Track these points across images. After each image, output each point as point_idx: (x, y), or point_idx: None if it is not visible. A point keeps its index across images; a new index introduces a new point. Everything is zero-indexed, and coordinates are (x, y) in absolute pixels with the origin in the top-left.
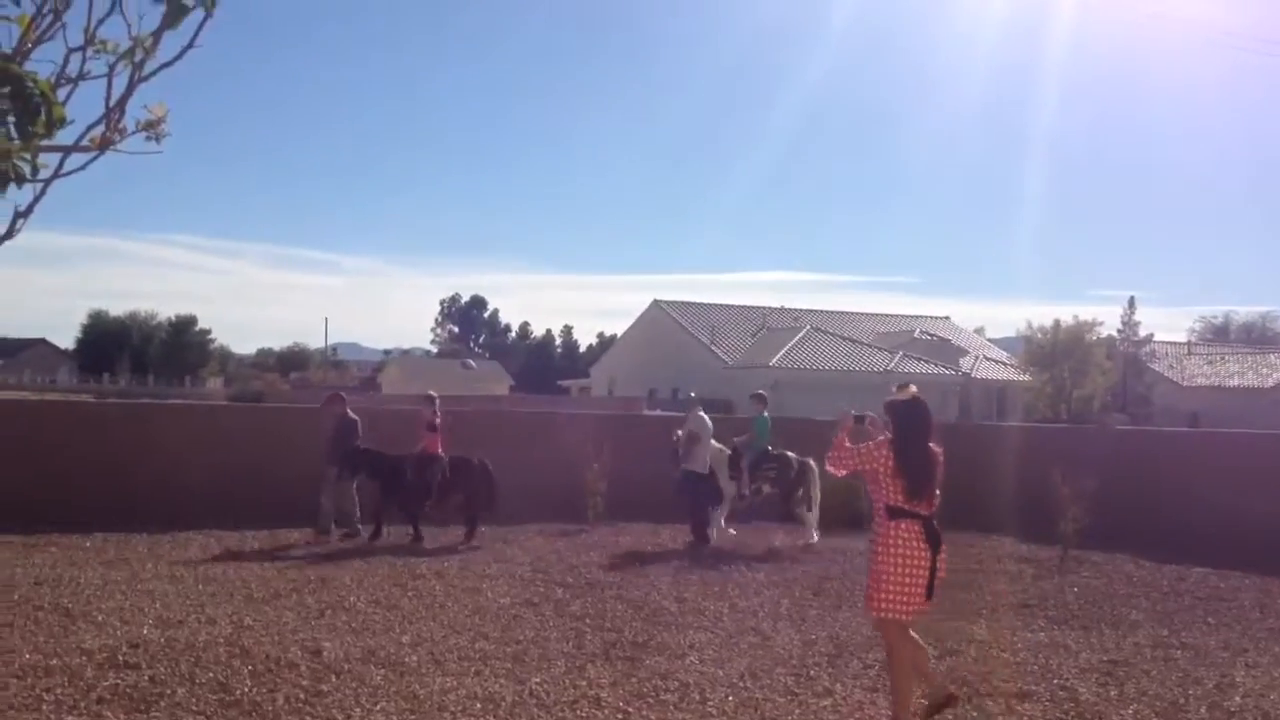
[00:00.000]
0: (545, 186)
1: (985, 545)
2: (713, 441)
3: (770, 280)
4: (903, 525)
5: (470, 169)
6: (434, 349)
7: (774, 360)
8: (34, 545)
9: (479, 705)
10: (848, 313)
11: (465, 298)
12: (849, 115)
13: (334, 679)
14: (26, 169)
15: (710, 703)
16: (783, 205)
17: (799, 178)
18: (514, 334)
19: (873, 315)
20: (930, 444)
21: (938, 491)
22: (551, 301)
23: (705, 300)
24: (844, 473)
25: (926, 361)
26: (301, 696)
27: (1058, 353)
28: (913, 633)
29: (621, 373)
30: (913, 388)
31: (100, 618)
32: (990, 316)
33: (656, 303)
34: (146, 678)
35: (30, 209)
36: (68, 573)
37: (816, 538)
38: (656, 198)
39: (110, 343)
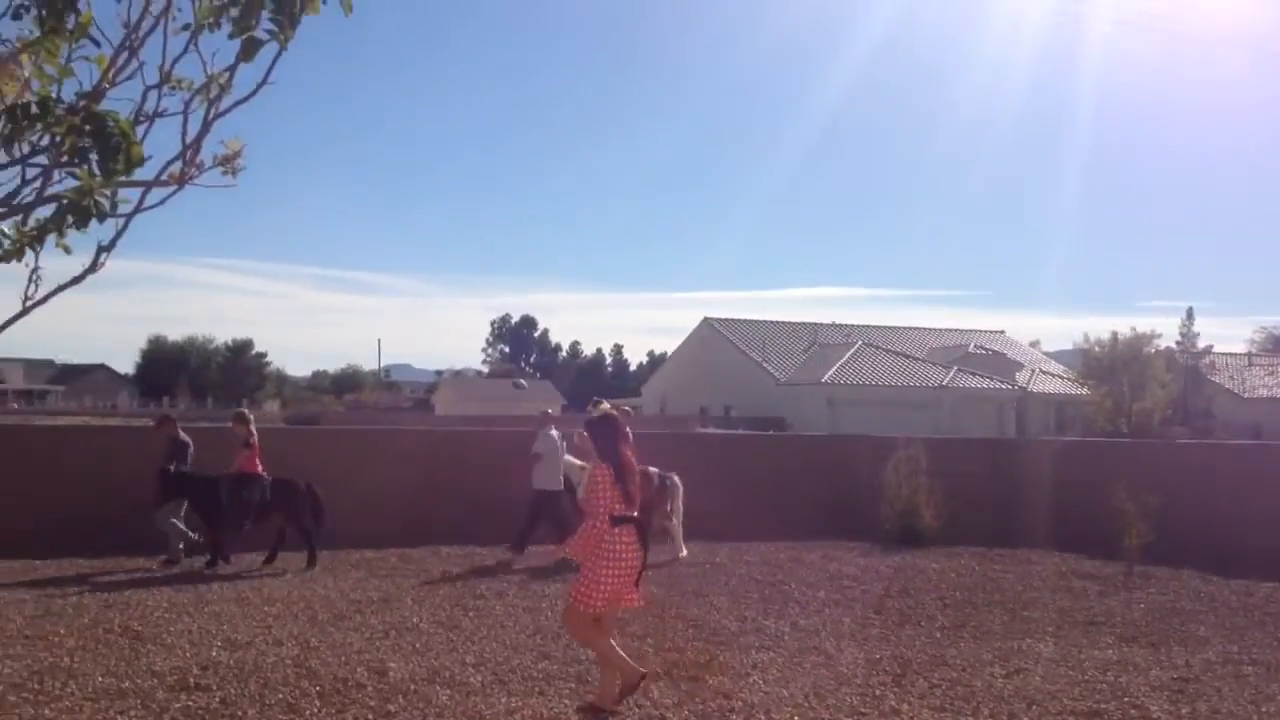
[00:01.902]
0: (594, 205)
1: (1047, 562)
2: (574, 459)
3: (821, 296)
4: (623, 531)
5: (519, 189)
6: (485, 369)
7: (826, 376)
8: (101, 568)
9: None
10: (900, 327)
11: (515, 318)
12: (898, 128)
13: (400, 699)
14: (107, 205)
15: None
16: (833, 220)
17: (848, 192)
18: (564, 353)
19: (926, 330)
20: (629, 454)
21: (638, 495)
22: (601, 320)
23: (756, 317)
24: (601, 514)
25: (981, 376)
26: (370, 718)
27: (1116, 366)
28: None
29: (673, 391)
30: (605, 404)
31: (169, 640)
32: (1046, 329)
33: (707, 320)
34: (217, 699)
35: (113, 244)
36: (135, 595)
37: (685, 551)
38: (706, 215)
39: (169, 367)
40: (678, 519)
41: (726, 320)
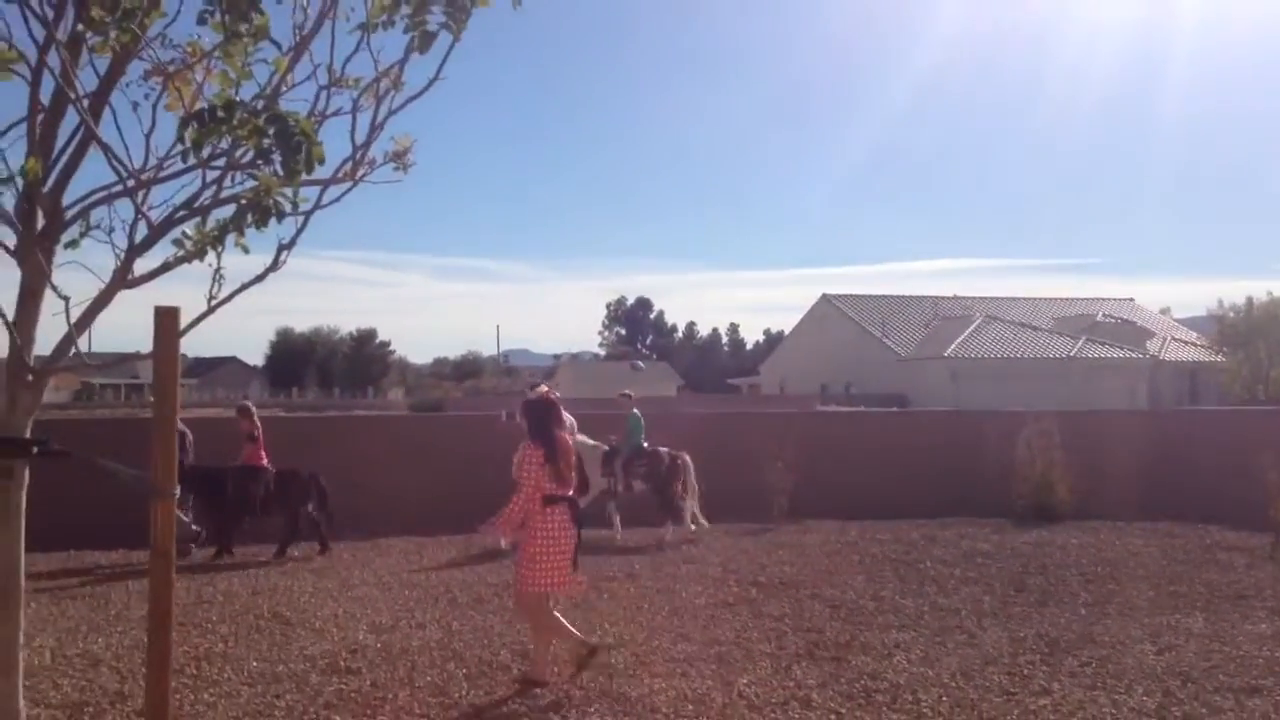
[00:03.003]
0: (705, 184)
1: (1190, 535)
2: (586, 439)
3: (941, 268)
4: (556, 510)
5: (630, 170)
6: (602, 352)
7: (948, 350)
8: (251, 555)
9: (690, 707)
10: (1024, 298)
11: (631, 299)
12: (1015, 93)
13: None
14: (287, 204)
15: (924, 703)
16: (950, 190)
17: (965, 161)
18: (680, 334)
19: (1050, 300)
20: (562, 434)
21: (574, 475)
22: (717, 300)
23: (875, 292)
24: (530, 493)
25: (1111, 345)
26: (515, 698)
27: (1252, 331)
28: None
29: (791, 369)
30: (543, 387)
31: (318, 624)
32: (1177, 296)
33: (825, 297)
34: (368, 683)
35: (293, 241)
36: (281, 582)
37: (695, 528)
38: (819, 190)
39: (297, 358)
40: (692, 497)
41: (845, 296)
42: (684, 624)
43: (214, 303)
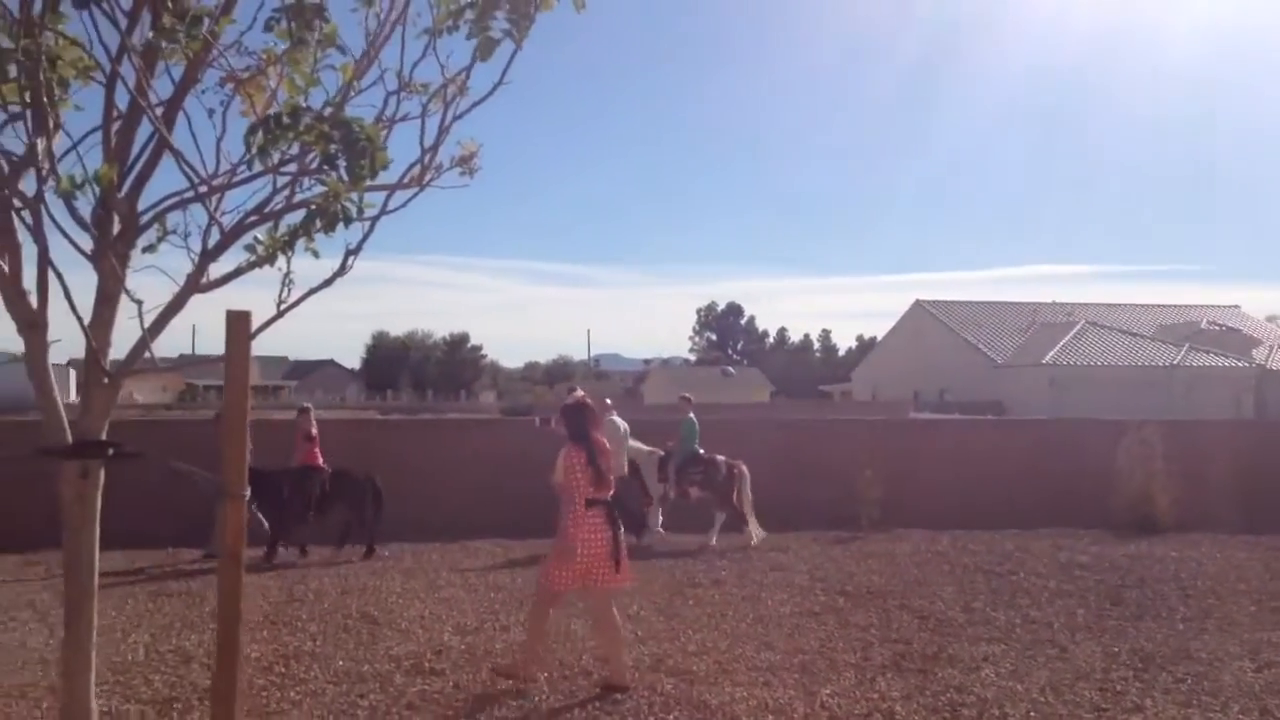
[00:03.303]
0: (797, 189)
1: None
2: (640, 444)
3: (1038, 274)
4: (594, 512)
5: (721, 175)
6: (692, 357)
7: (1047, 357)
8: (340, 556)
9: (771, 717)
10: (1126, 305)
11: (722, 305)
12: (1113, 95)
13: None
14: (354, 209)
15: (1011, 718)
16: (1047, 195)
17: (1062, 165)
18: (771, 340)
19: (1153, 306)
20: (600, 438)
21: (612, 478)
22: (809, 306)
23: (970, 298)
24: (578, 498)
25: (1215, 354)
26: (596, 704)
27: None
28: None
29: (884, 376)
30: (579, 392)
31: (404, 625)
32: None
33: (919, 303)
34: (450, 684)
35: (359, 246)
36: (371, 582)
37: (755, 538)
38: (911, 194)
39: (392, 361)
40: (747, 506)
41: (939, 302)
42: (768, 632)
43: (283, 307)
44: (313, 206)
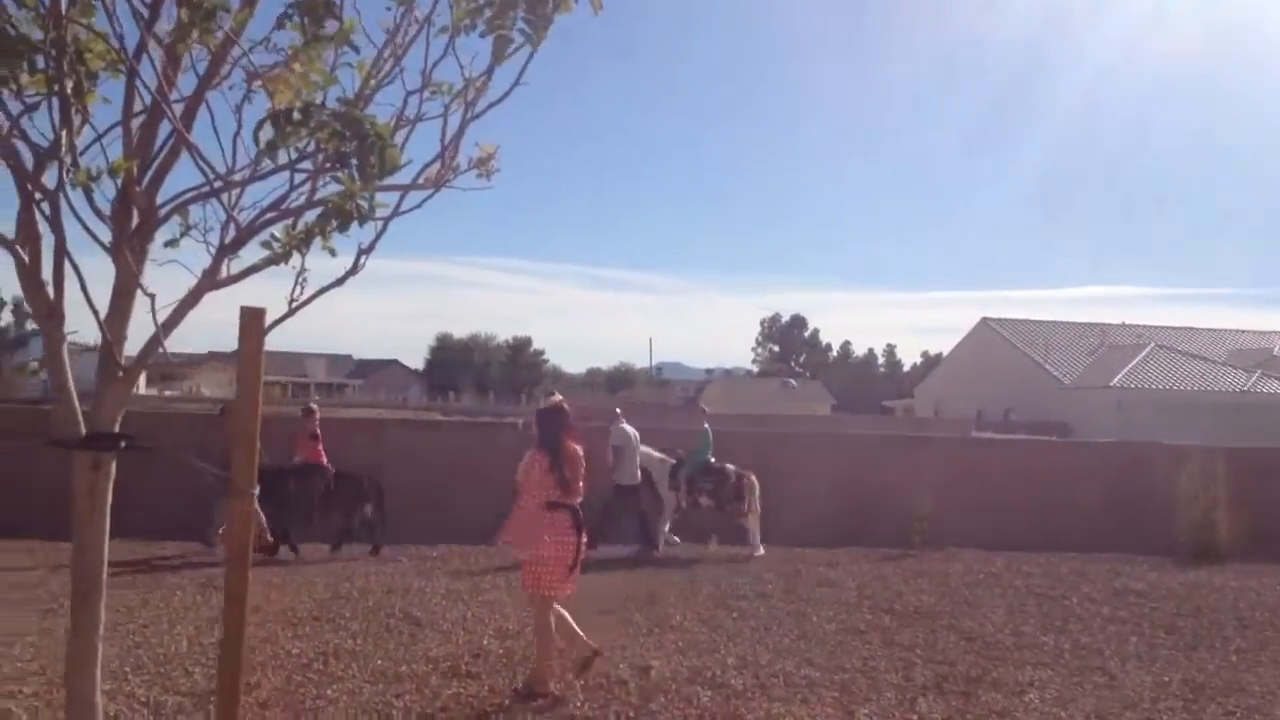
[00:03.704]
0: (861, 202)
1: None
2: (654, 452)
3: (1108, 295)
4: (557, 515)
5: (789, 188)
6: (754, 368)
7: (1115, 380)
8: (387, 556)
9: None
10: (1197, 328)
11: (786, 317)
12: (1189, 117)
13: (662, 698)
14: (366, 208)
15: None
16: (1119, 215)
17: (1135, 186)
18: (835, 353)
19: (1225, 331)
20: (571, 443)
21: (581, 484)
22: (874, 320)
23: (1037, 317)
24: (531, 499)
25: None
26: (631, 714)
27: None
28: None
29: (948, 393)
30: (557, 396)
31: (445, 627)
32: None
33: (985, 320)
34: (486, 688)
35: (372, 245)
36: (416, 582)
37: (761, 550)
38: (981, 211)
39: (455, 363)
40: (754, 516)
41: (1006, 320)
42: (810, 648)
43: (294, 304)
44: (330, 205)
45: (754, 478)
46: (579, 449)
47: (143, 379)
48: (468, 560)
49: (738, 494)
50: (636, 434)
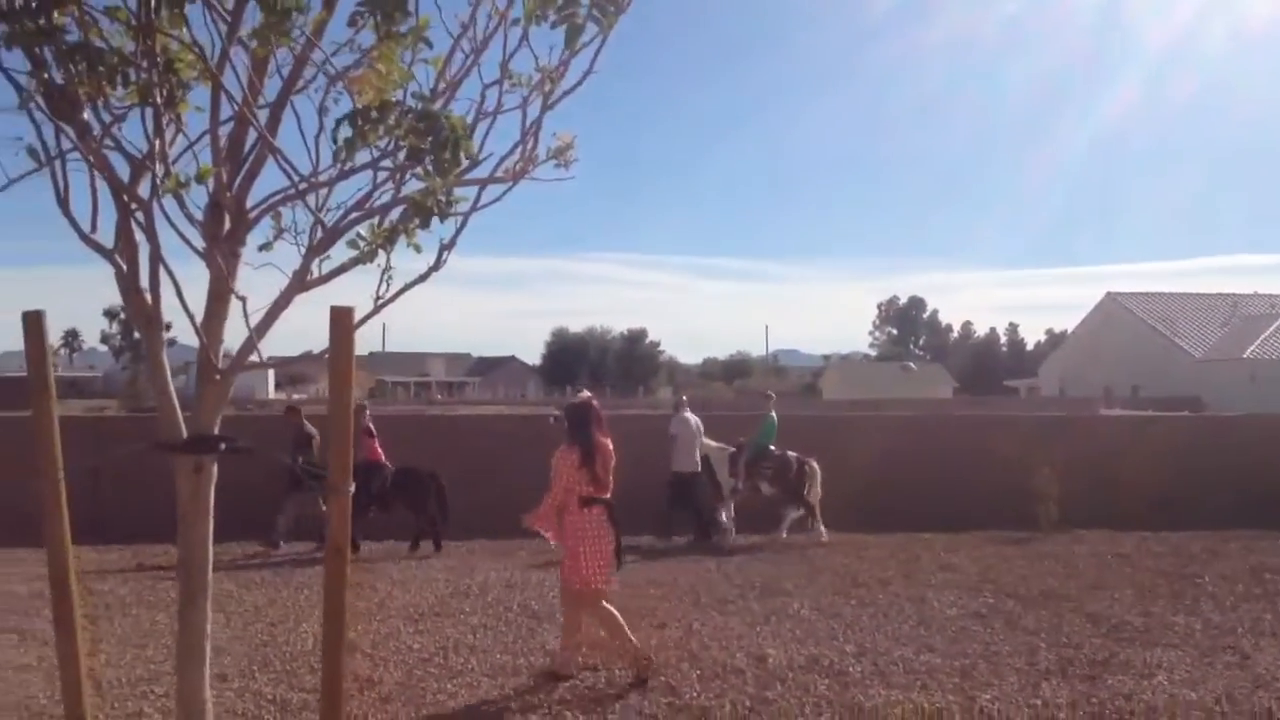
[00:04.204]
0: (977, 180)
1: None
2: (712, 441)
3: (1240, 264)
4: (593, 511)
5: (900, 166)
6: (872, 352)
7: (1247, 351)
8: (507, 551)
9: None
10: None
11: (903, 299)
12: None
13: (778, 686)
14: (444, 203)
15: None
16: (1246, 181)
17: (1262, 148)
18: (955, 334)
19: None
20: (602, 438)
21: (611, 479)
22: (994, 299)
23: (1165, 290)
24: (559, 493)
25: None
26: (747, 703)
27: None
28: (606, 604)
29: (1073, 371)
30: (585, 393)
31: (561, 620)
32: None
33: (1110, 295)
34: (603, 679)
35: (453, 240)
36: (534, 575)
37: (826, 536)
38: (1102, 183)
39: (571, 357)
40: (815, 502)
41: (1132, 294)
42: (930, 634)
43: (380, 302)
44: (409, 202)
45: (815, 464)
46: (609, 443)
47: (270, 382)
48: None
49: (799, 480)
50: (699, 423)
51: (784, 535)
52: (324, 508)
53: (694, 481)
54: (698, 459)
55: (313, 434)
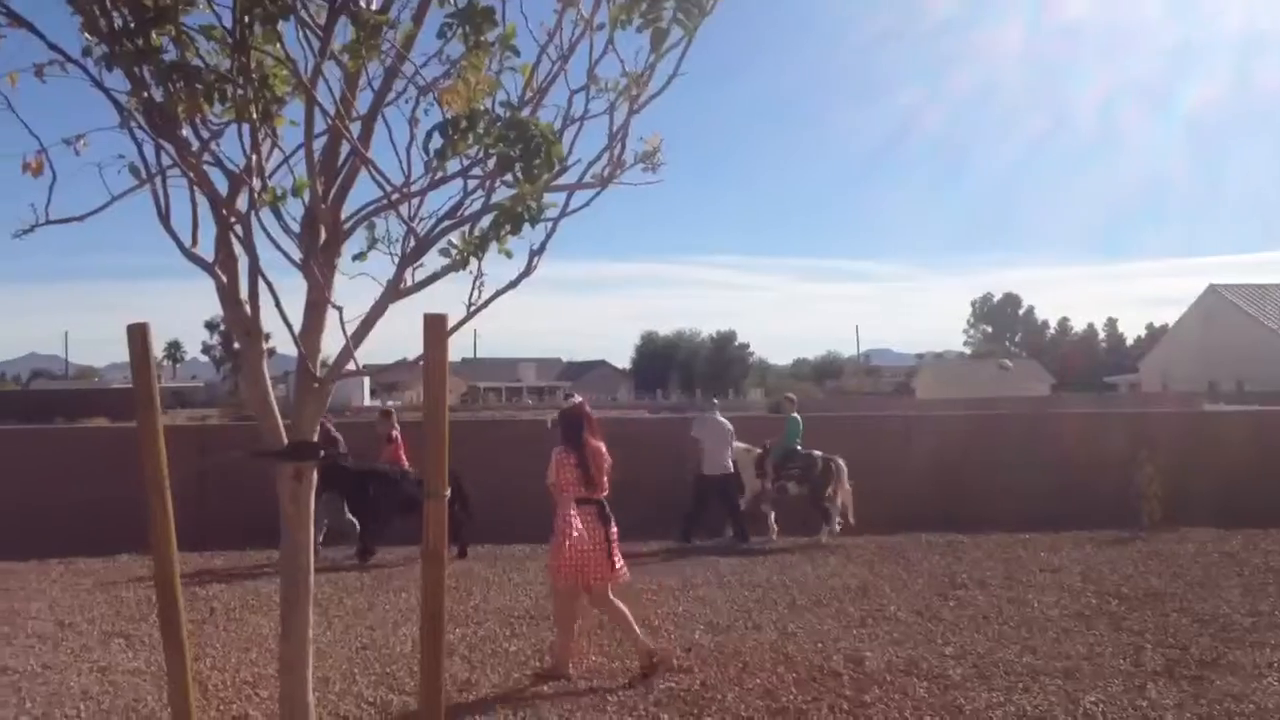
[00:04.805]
0: (1073, 173)
1: None
2: (738, 443)
3: None
4: (582, 510)
5: (993, 164)
6: (967, 350)
7: None
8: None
9: None
10: None
11: (998, 296)
12: None
13: (876, 690)
14: (535, 209)
15: None
16: None
17: None
18: (1053, 330)
19: None
20: (594, 441)
21: (606, 479)
22: (1092, 294)
23: (1271, 281)
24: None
25: None
26: (845, 706)
27: None
28: (613, 598)
29: (1175, 366)
30: (576, 397)
31: (656, 622)
32: None
33: (1213, 287)
34: (699, 682)
35: (543, 246)
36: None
37: (837, 529)
38: (1202, 172)
39: (661, 361)
40: (844, 499)
41: (1236, 286)
42: (1032, 635)
43: (472, 309)
44: (499, 209)
45: (841, 461)
46: (601, 446)
47: (365, 389)
48: (674, 555)
49: (825, 478)
50: (730, 426)
51: (824, 539)
52: (349, 515)
53: (726, 483)
54: (729, 462)
55: (338, 438)
